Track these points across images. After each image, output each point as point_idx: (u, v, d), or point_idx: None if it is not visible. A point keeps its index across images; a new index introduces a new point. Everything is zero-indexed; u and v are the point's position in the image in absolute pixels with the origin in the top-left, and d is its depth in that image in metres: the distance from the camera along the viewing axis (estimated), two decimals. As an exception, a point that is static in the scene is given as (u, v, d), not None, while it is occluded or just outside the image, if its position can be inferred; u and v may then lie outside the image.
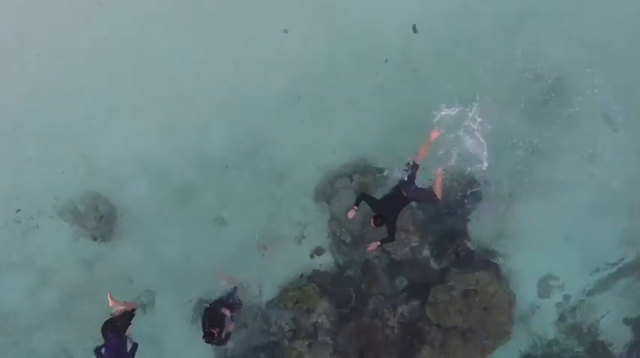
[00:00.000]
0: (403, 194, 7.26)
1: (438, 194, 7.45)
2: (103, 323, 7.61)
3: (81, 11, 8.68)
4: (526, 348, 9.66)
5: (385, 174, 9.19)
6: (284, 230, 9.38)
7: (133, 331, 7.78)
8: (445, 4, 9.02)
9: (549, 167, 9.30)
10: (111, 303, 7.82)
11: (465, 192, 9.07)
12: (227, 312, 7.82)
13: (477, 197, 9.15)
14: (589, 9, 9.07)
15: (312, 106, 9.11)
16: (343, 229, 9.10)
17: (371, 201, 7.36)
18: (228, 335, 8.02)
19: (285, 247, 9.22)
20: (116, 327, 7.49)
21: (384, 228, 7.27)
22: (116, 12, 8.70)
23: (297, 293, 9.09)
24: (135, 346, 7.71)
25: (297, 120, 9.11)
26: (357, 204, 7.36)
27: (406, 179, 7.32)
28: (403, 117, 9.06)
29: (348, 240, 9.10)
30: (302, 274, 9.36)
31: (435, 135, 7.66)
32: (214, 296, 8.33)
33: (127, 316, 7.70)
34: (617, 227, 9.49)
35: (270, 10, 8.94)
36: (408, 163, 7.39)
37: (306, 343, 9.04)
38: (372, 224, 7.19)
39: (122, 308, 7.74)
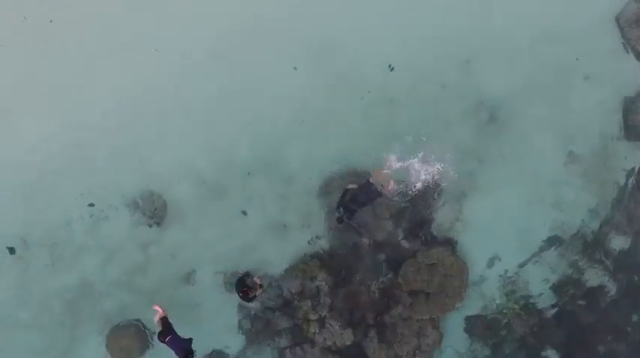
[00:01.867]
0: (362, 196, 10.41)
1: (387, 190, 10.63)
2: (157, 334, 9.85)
3: (143, 56, 11.42)
4: (478, 308, 12.13)
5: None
6: (292, 220, 11.94)
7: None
8: (414, 50, 11.64)
9: (493, 171, 11.87)
10: (161, 313, 9.86)
11: (430, 191, 11.77)
12: (258, 280, 10.64)
13: (439, 194, 11.80)
14: (520, 52, 11.78)
15: (314, 126, 11.72)
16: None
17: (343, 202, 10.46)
18: (254, 297, 10.84)
19: (294, 232, 11.92)
20: (166, 333, 9.73)
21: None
22: (168, 57, 11.40)
23: (303, 266, 11.67)
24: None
25: (302, 137, 11.70)
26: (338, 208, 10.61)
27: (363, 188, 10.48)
28: (383, 134, 11.62)
29: (341, 226, 11.70)
30: (306, 253, 11.96)
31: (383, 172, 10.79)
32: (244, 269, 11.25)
33: (166, 323, 9.81)
34: (546, 216, 12.01)
35: (283, 53, 11.60)
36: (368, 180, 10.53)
37: (310, 302, 11.59)
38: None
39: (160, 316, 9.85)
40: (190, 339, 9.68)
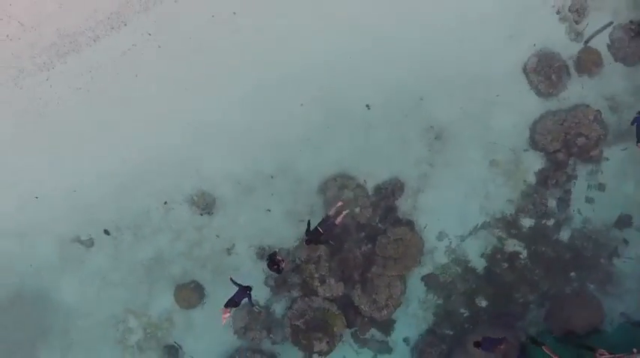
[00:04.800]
0: (319, 230, 14.58)
1: (338, 222, 15.05)
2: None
3: (201, 96, 16.49)
4: (431, 270, 16.77)
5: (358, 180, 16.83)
6: (300, 209, 16.79)
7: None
8: (384, 91, 16.55)
9: (440, 173, 16.63)
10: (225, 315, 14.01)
11: (393, 189, 16.90)
12: (280, 257, 15.52)
13: (401, 190, 16.87)
14: (456, 90, 16.76)
15: (316, 144, 16.58)
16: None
17: (308, 230, 14.69)
18: (282, 269, 15.49)
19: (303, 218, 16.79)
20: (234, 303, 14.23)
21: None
22: (215, 98, 16.56)
23: (309, 241, 16.78)
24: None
25: (308, 152, 16.56)
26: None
27: (324, 221, 14.87)
28: (366, 150, 16.63)
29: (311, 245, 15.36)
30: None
31: (338, 204, 15.54)
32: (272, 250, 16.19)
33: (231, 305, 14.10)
34: (478, 204, 16.73)
35: (291, 95, 16.63)
36: (327, 214, 15.10)
37: (314, 265, 16.38)
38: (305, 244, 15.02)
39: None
40: (240, 288, 14.53)
